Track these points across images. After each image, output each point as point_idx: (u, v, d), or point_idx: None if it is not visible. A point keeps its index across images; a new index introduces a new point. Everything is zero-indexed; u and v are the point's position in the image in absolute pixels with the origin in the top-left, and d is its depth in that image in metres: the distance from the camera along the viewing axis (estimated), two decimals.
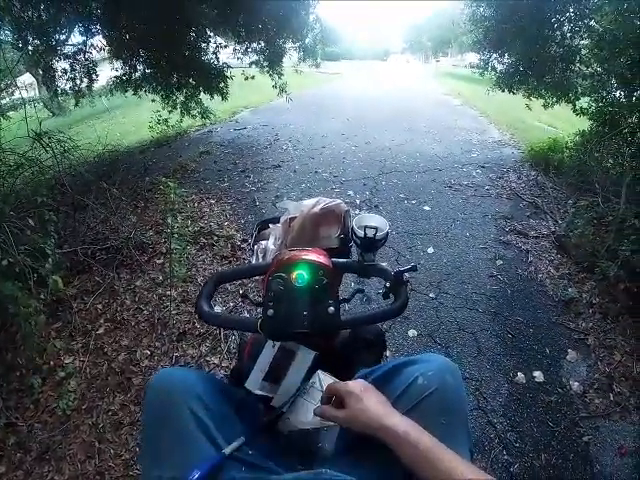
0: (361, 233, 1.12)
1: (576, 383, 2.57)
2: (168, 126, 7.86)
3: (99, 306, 3.32)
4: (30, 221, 3.15)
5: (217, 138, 7.86)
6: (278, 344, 1.05)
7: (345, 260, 1.17)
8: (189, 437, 0.87)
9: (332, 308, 0.99)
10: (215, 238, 4.04)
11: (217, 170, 6.07)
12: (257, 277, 1.39)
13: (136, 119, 9.16)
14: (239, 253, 3.83)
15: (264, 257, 1.43)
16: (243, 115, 9.68)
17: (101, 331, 3.10)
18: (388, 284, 1.09)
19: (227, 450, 0.87)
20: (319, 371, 1.04)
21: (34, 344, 2.82)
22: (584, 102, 5.39)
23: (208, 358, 2.81)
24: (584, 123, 5.23)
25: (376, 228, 1.12)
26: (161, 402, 0.92)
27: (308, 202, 1.42)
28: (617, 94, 4.73)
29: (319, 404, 0.97)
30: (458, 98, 12.11)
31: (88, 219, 4.12)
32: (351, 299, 1.12)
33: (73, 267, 3.63)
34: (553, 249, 3.91)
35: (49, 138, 4.27)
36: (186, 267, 3.52)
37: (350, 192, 5.19)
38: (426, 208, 4.79)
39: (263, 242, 1.51)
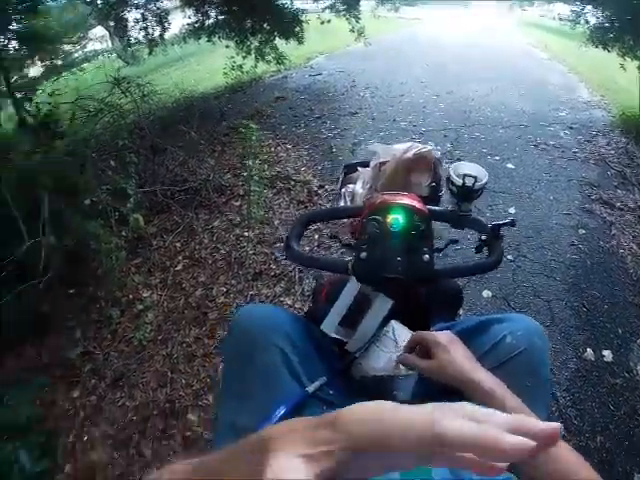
0: (459, 181, 1.04)
1: None
2: (242, 72, 7.72)
3: (177, 244, 3.43)
4: (112, 163, 3.28)
5: (292, 84, 7.72)
6: (358, 289, 1.01)
7: (441, 208, 1.11)
8: (276, 373, 0.88)
9: (427, 256, 0.95)
10: (292, 183, 4.01)
11: (293, 116, 5.97)
12: (343, 220, 1.39)
13: (210, 66, 9.11)
14: (315, 198, 3.79)
15: (352, 201, 1.39)
16: (318, 61, 9.40)
17: (179, 267, 3.22)
18: (483, 237, 1.04)
19: (310, 388, 0.88)
20: (393, 320, 1.03)
21: (114, 278, 3.00)
22: None
23: (282, 298, 2.86)
24: None
25: (475, 177, 1.03)
26: (247, 338, 0.92)
27: (400, 146, 1.35)
28: None
29: (391, 352, 0.97)
30: (545, 51, 11.16)
31: (167, 162, 4.20)
32: (444, 249, 1.08)
33: (153, 207, 3.76)
34: (638, 225, 3.60)
35: (128, 83, 4.36)
36: (263, 210, 3.54)
37: (431, 143, 4.89)
38: (509, 166, 4.51)
39: (351, 186, 1.45)
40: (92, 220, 2.89)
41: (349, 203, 1.40)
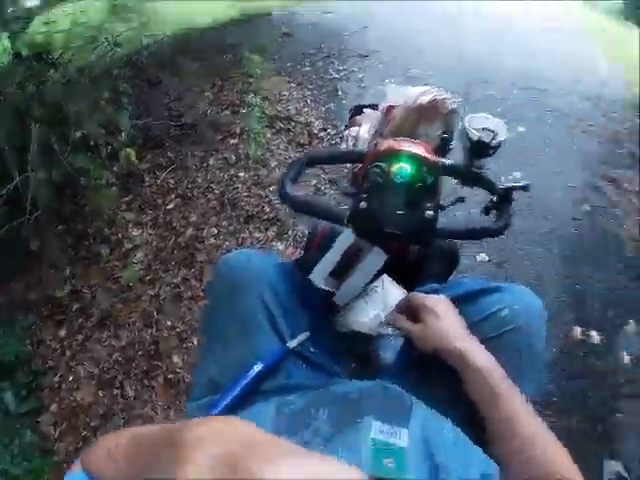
0: (475, 135, 0.94)
1: (627, 357, 2.35)
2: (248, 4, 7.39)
3: (171, 181, 3.36)
4: (105, 94, 3.15)
5: (301, 20, 7.28)
6: (352, 240, 0.95)
7: (452, 162, 1.01)
8: (254, 324, 0.86)
9: (430, 212, 0.89)
10: (292, 124, 3.84)
11: (300, 53, 5.69)
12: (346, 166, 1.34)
13: None
14: (316, 142, 3.63)
15: (354, 145, 1.31)
16: None
17: (171, 206, 3.17)
18: (494, 199, 1.00)
19: (292, 343, 0.86)
20: (384, 276, 0.98)
21: (104, 215, 2.98)
22: None
23: (274, 243, 2.82)
24: None
25: (494, 132, 0.94)
26: (228, 284, 0.90)
27: (414, 90, 1.24)
28: None
29: (378, 309, 0.93)
30: (572, 24, 10.54)
31: (162, 95, 4.08)
32: (448, 207, 1.02)
33: (146, 142, 3.65)
34: None
35: (125, 9, 4.11)
36: (261, 150, 3.43)
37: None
38: (520, 129, 4.18)
39: (354, 129, 1.35)
40: (82, 154, 2.82)
41: (351, 147, 1.31)
